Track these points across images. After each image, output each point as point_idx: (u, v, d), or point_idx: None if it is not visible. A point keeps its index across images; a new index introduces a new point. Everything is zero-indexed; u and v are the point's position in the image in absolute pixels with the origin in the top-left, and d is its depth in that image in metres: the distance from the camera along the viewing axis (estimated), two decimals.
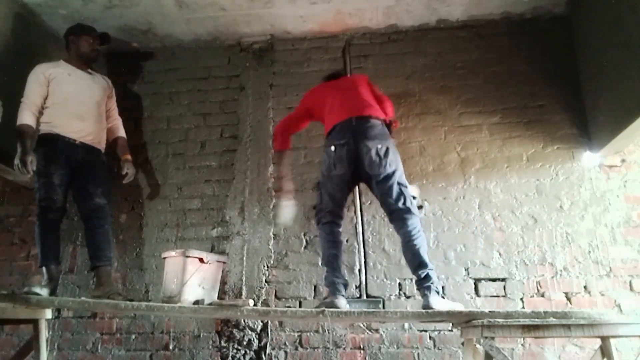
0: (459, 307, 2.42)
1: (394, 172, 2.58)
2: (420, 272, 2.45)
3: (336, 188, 2.72)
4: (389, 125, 2.78)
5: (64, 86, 2.94)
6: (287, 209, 3.26)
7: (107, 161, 3.13)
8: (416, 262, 2.47)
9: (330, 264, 2.64)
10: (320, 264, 2.92)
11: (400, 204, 2.54)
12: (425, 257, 2.48)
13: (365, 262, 3.14)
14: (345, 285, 2.62)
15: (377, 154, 2.58)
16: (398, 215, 2.56)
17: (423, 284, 2.44)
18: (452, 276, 3.06)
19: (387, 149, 2.60)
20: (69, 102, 2.93)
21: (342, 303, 2.50)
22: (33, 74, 2.92)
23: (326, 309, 2.31)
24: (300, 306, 3.11)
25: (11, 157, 2.79)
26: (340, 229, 2.75)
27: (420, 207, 2.73)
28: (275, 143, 3.19)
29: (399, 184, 2.58)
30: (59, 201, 2.81)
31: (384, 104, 2.86)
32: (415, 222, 2.53)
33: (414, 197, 2.64)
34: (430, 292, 2.40)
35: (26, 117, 2.83)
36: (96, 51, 3.17)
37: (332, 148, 2.68)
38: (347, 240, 3.22)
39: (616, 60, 2.85)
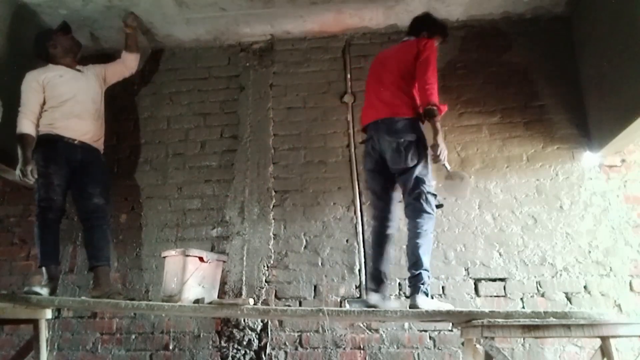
0: (446, 306, 2.42)
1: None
2: (413, 271, 2.47)
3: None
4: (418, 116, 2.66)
5: (59, 88, 2.94)
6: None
7: (106, 161, 3.13)
8: (412, 259, 2.50)
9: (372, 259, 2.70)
10: None
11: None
12: (424, 257, 2.48)
13: (365, 262, 3.14)
14: (380, 281, 2.63)
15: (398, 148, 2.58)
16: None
17: (412, 282, 2.47)
18: (452, 276, 3.07)
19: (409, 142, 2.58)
20: (65, 103, 2.93)
21: (373, 299, 2.52)
22: (26, 82, 2.92)
23: (324, 308, 2.31)
24: (300, 306, 3.10)
25: (11, 157, 2.80)
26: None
27: (439, 206, 2.69)
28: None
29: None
30: (58, 201, 2.81)
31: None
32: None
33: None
34: (418, 292, 2.41)
35: (25, 125, 2.84)
36: (76, 39, 3.20)
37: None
38: (347, 241, 3.22)
39: (616, 60, 2.85)
